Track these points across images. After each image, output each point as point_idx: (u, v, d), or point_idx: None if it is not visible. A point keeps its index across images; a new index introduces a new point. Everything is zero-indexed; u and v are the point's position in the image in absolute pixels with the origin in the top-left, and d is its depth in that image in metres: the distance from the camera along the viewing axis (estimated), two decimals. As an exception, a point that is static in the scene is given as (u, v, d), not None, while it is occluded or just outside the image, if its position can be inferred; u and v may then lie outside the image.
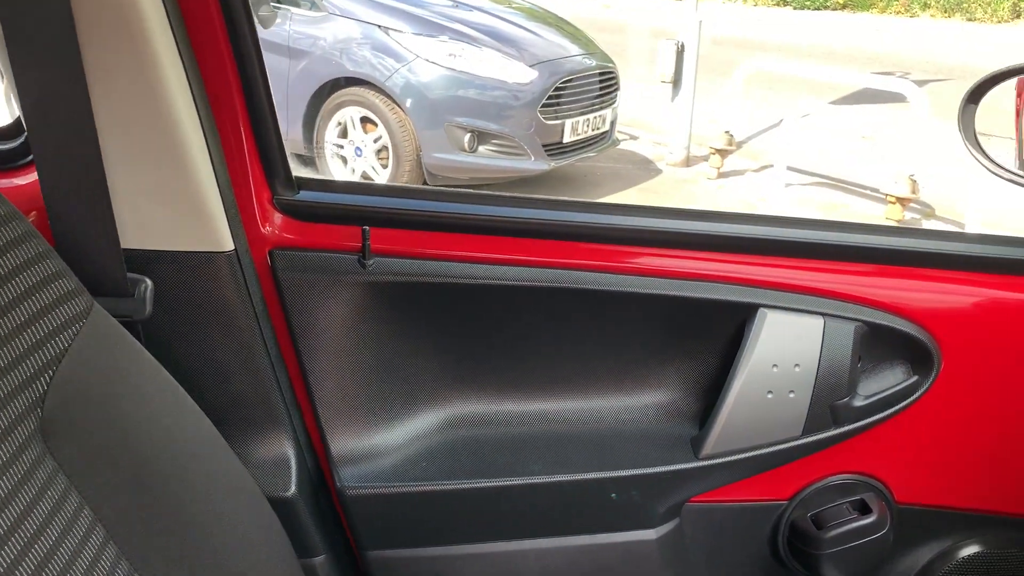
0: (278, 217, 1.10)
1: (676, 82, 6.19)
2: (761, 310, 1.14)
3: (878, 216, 5.13)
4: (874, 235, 1.23)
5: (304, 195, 1.12)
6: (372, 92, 5.04)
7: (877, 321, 1.16)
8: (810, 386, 1.15)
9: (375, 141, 5.10)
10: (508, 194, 1.23)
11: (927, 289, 1.20)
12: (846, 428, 1.18)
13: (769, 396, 1.15)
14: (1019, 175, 1.40)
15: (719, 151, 5.98)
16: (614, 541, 1.20)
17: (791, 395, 1.15)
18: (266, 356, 1.08)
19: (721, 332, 1.18)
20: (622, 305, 1.17)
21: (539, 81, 5.09)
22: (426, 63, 5.00)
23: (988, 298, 1.21)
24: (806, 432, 1.17)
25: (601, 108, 5.50)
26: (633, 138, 7.19)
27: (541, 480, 1.15)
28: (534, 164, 5.13)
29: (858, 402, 1.17)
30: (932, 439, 1.24)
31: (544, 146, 5.15)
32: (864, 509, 1.25)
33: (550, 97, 5.09)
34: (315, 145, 5.26)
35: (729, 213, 1.22)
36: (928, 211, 5.30)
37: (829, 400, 1.16)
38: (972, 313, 1.20)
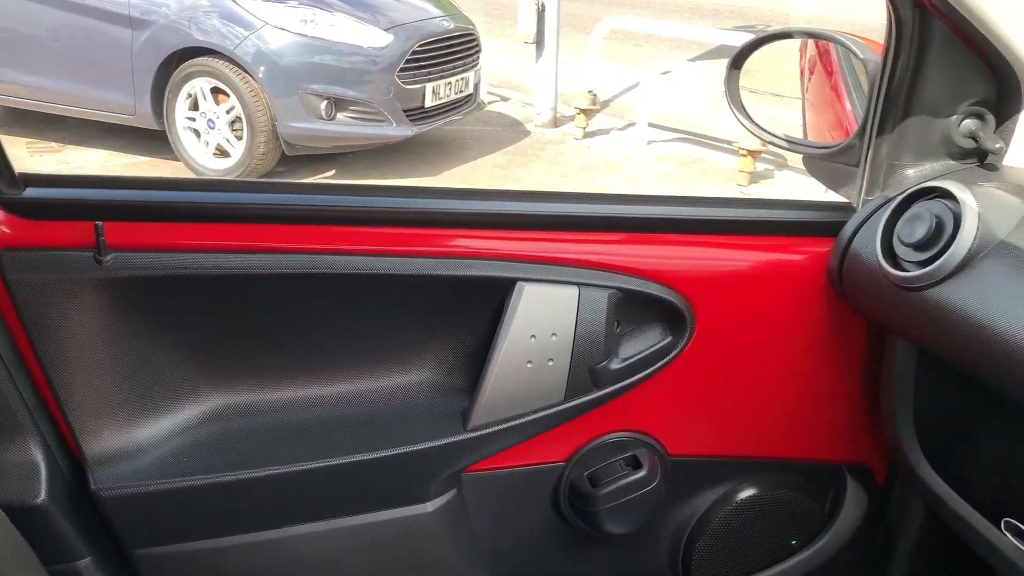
0: (2, 216, 1.05)
1: (539, 42, 6.19)
2: (519, 283, 1.17)
3: (732, 168, 5.31)
4: (626, 205, 1.27)
5: (32, 192, 1.07)
6: (221, 62, 4.86)
7: (631, 287, 1.21)
8: (568, 353, 1.18)
9: (228, 112, 4.94)
10: (255, 180, 1.22)
11: (677, 254, 1.25)
12: (608, 390, 1.22)
13: (529, 365, 1.18)
14: (778, 137, 1.47)
15: (584, 111, 6.04)
16: (392, 517, 1.22)
17: (550, 363, 1.18)
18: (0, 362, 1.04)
19: (483, 307, 1.20)
20: (382, 287, 1.17)
21: (396, 45, 5.01)
22: (276, 30, 4.84)
23: (735, 259, 1.27)
24: (569, 397, 1.21)
25: (463, 71, 5.47)
26: (504, 99, 7.19)
27: (310, 466, 1.15)
28: (396, 130, 5.07)
29: (616, 364, 1.22)
30: (695, 394, 1.31)
31: (405, 111, 5.08)
32: (637, 464, 1.31)
33: (408, 61, 5.02)
34: (165, 119, 5.05)
35: (484, 191, 1.23)
36: (781, 162, 5.52)
37: (588, 365, 1.20)
38: (721, 273, 1.26)
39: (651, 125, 5.86)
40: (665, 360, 1.25)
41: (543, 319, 1.18)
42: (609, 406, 1.27)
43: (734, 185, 5.23)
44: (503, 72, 7.53)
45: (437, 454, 1.19)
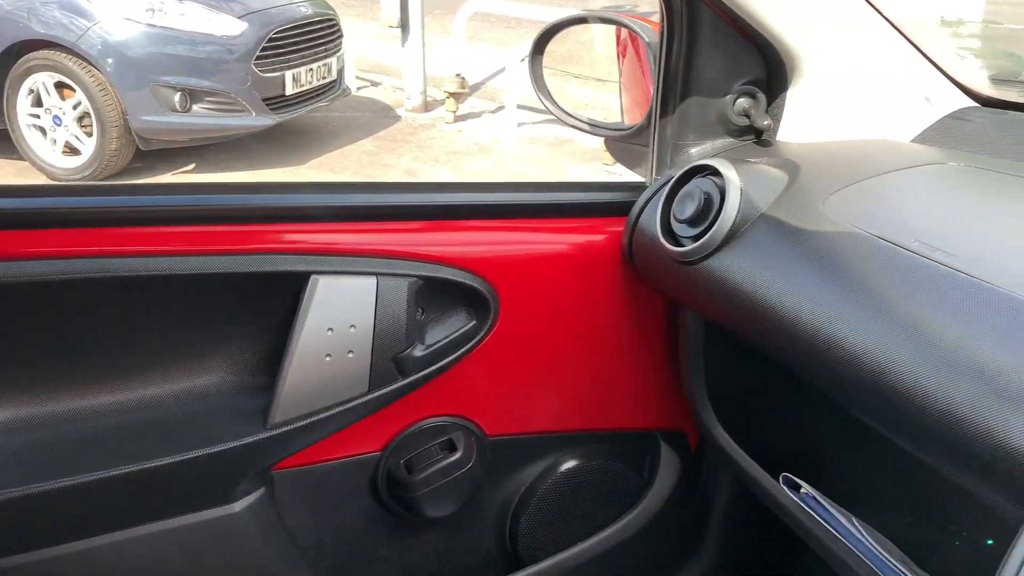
0: None
1: (404, 25, 6.15)
2: (313, 277, 1.16)
3: (599, 149, 5.41)
4: (426, 193, 1.28)
5: None
6: (64, 55, 4.63)
7: (432, 274, 1.22)
8: (369, 344, 1.19)
9: (75, 108, 4.71)
10: (29, 184, 1.16)
11: (480, 239, 1.27)
12: (415, 377, 1.24)
13: (328, 359, 1.18)
14: (581, 121, 1.51)
15: (453, 95, 6.04)
16: (198, 520, 1.20)
17: (350, 355, 1.19)
18: None
19: (279, 304, 1.19)
20: (173, 288, 1.15)
21: (251, 32, 4.88)
22: (123, 20, 4.65)
23: (537, 241, 1.30)
24: (373, 387, 1.21)
25: (325, 57, 5.38)
26: (374, 85, 7.11)
27: (107, 474, 1.12)
28: (256, 120, 4.96)
29: (420, 352, 1.23)
30: (507, 375, 1.34)
31: (265, 100, 4.97)
32: (453, 447, 1.33)
33: (265, 49, 4.91)
34: (6, 117, 4.78)
35: (273, 184, 1.22)
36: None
37: (391, 354, 1.21)
38: (523, 256, 1.29)
39: (521, 107, 5.91)
40: (471, 344, 1.27)
41: (340, 312, 1.18)
42: (423, 393, 1.28)
43: (600, 164, 5.34)
44: (373, 57, 7.45)
45: (239, 453, 1.17)
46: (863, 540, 1.04)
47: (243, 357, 1.23)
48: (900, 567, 0.99)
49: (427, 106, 6.37)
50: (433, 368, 1.25)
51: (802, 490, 1.14)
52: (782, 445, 1.26)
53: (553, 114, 1.51)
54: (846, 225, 1.02)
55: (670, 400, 1.45)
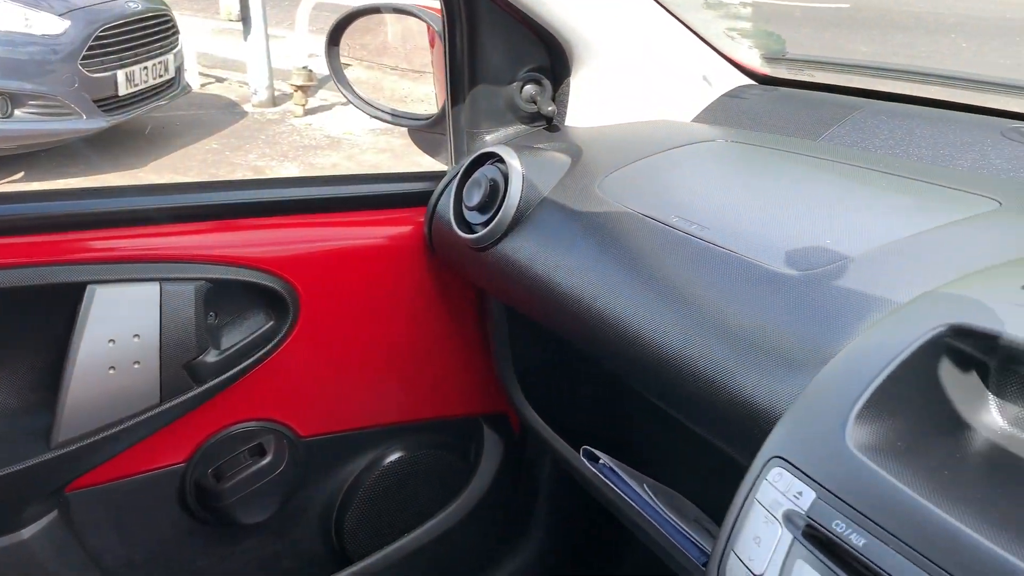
0: None
1: (245, 19, 5.96)
2: (90, 287, 1.11)
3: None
4: (217, 192, 1.25)
5: None
6: None
7: (223, 276, 1.19)
8: (156, 353, 1.15)
9: None
10: None
11: (275, 238, 1.25)
12: (212, 383, 1.21)
13: (112, 372, 1.13)
14: (384, 111, 1.50)
15: (301, 88, 5.91)
16: (-14, 551, 1.14)
17: (136, 366, 1.15)
18: None
19: (56, 317, 1.14)
20: None
21: (75, 31, 4.62)
22: (-73, 21, 4.31)
23: (339, 236, 1.29)
24: (166, 397, 1.18)
25: (160, 54, 5.15)
26: (219, 81, 6.87)
27: None
28: (87, 123, 4.70)
29: (214, 357, 1.20)
30: (316, 374, 1.32)
31: (97, 101, 4.72)
32: (262, 452, 1.31)
33: (92, 48, 4.65)
34: None
35: (45, 192, 1.16)
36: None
37: (182, 361, 1.17)
38: (324, 252, 1.27)
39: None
40: (271, 346, 1.25)
41: (122, 321, 1.13)
42: (226, 398, 1.25)
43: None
44: (216, 52, 7.19)
45: (22, 477, 1.11)
46: (652, 504, 1.08)
47: (23, 375, 1.17)
48: (683, 526, 1.04)
49: (275, 101, 6.21)
50: (231, 373, 1.22)
51: (600, 461, 1.18)
52: (587, 421, 1.30)
53: (355, 105, 1.50)
54: (617, 204, 1.05)
55: (491, 385, 1.48)
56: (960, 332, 0.63)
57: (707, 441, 1.11)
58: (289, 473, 1.32)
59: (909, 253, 0.80)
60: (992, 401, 0.66)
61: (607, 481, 1.15)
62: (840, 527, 0.57)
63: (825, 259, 0.83)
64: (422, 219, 1.32)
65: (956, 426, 0.65)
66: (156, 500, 1.28)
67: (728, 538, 0.64)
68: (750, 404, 0.77)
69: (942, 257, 0.78)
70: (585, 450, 1.20)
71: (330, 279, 1.28)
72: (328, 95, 6.31)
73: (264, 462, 1.30)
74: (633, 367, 0.94)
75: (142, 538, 1.30)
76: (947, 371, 0.65)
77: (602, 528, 1.64)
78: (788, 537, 0.59)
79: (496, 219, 1.14)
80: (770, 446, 0.65)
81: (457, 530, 1.49)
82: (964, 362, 0.65)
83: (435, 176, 1.35)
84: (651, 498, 1.09)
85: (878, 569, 0.54)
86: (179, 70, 5.38)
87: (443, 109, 1.36)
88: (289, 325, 1.25)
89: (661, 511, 1.07)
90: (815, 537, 0.58)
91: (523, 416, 1.36)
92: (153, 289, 1.15)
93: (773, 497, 0.62)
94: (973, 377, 0.66)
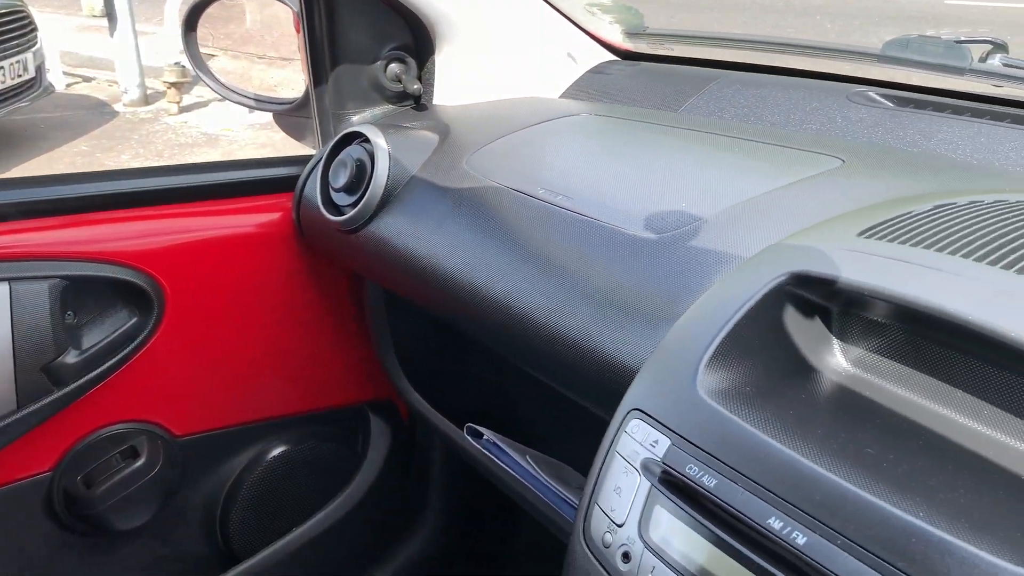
0: None
1: (111, 15, 5.69)
2: None
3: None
4: (68, 185, 1.19)
5: None
6: None
7: (80, 272, 1.14)
8: (8, 357, 1.09)
9: None
10: None
11: (137, 231, 1.19)
12: (74, 386, 1.15)
13: None
14: (247, 96, 1.46)
15: (174, 85, 5.69)
16: None
17: None
18: None
19: None
20: None
21: (-82, 30, 4.31)
22: None
23: (206, 226, 1.25)
24: (23, 403, 1.12)
25: (17, 53, 4.85)
26: (87, 80, 6.55)
27: None
28: (-61, 128, 4.39)
29: (74, 358, 1.14)
30: (188, 371, 1.28)
31: (-52, 105, 4.42)
32: (135, 454, 1.25)
33: (-61, 47, 4.35)
34: None
35: None
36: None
37: (38, 364, 1.11)
38: (191, 243, 1.23)
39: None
40: (137, 342, 1.20)
41: None
42: (92, 401, 1.19)
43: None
44: (83, 51, 6.84)
45: None
46: (534, 474, 1.09)
47: None
48: (564, 492, 1.05)
49: (147, 99, 5.95)
50: (95, 373, 1.17)
51: (484, 437, 1.18)
52: (472, 400, 1.30)
53: (216, 91, 1.45)
54: (485, 179, 1.06)
55: (375, 371, 1.46)
56: (801, 280, 0.66)
57: (585, 408, 1.12)
58: (165, 474, 1.28)
59: (758, 211, 0.83)
60: (835, 344, 0.69)
61: (492, 456, 1.16)
62: (693, 470, 0.58)
63: (681, 221, 0.86)
64: (290, 205, 1.29)
65: (802, 370, 0.68)
66: (21, 513, 1.21)
67: (592, 492, 0.65)
68: (613, 363, 0.79)
69: (788, 212, 0.82)
70: (468, 427, 1.20)
71: (197, 271, 1.24)
72: (204, 92, 6.09)
73: (137, 465, 1.25)
74: (506, 338, 0.95)
75: (9, 554, 1.23)
76: (791, 318, 0.68)
77: (494, 506, 1.65)
78: (646, 485, 0.61)
79: (364, 200, 1.12)
80: (629, 399, 0.67)
81: (347, 521, 1.47)
82: (807, 308, 0.68)
83: (302, 160, 1.32)
84: (534, 468, 1.10)
85: (728, 506, 0.56)
86: (40, 69, 5.09)
87: (307, 92, 1.33)
88: (155, 321, 1.21)
89: (543, 480, 1.08)
90: (671, 483, 0.60)
91: (409, 401, 1.35)
92: (2, 290, 1.08)
93: (632, 448, 0.63)
94: (816, 322, 0.69)
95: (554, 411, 1.22)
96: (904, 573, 0.48)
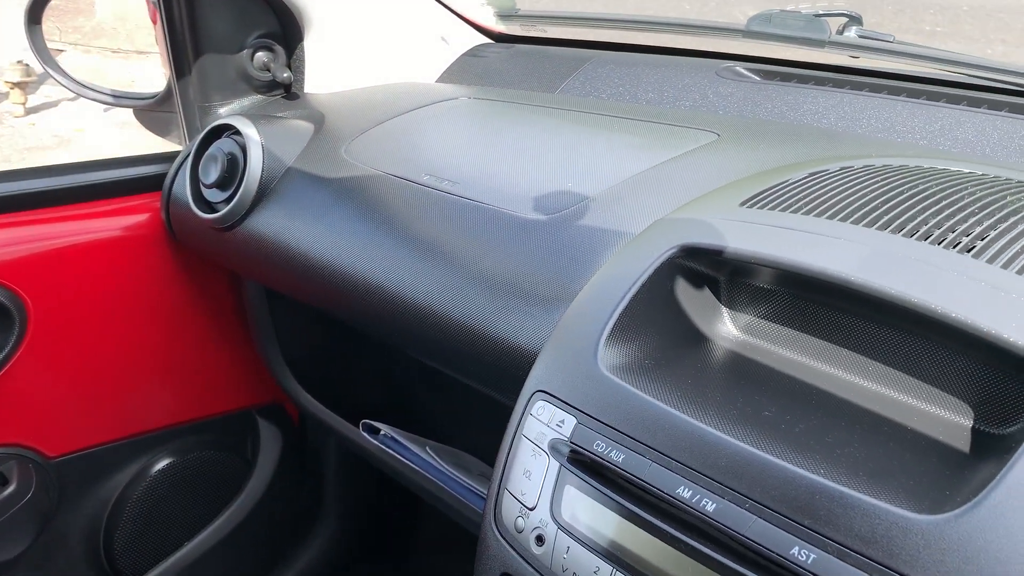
0: None
1: (-62, 10, 5.24)
2: None
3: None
4: None
5: None
6: None
7: None
8: None
9: None
10: None
11: None
12: None
13: None
14: (103, 92, 1.37)
15: (17, 85, 5.31)
16: None
17: None
18: None
19: None
20: None
21: None
22: None
23: (65, 232, 1.17)
24: None
25: None
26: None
27: None
28: None
29: None
30: (59, 387, 1.20)
31: None
32: (4, 481, 1.17)
33: None
34: None
35: None
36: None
37: None
38: (53, 251, 1.15)
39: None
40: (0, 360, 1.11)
41: None
42: None
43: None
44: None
45: None
46: (436, 465, 1.08)
47: None
48: (467, 480, 1.04)
49: (-11, 101, 5.54)
50: None
51: (381, 432, 1.16)
52: (366, 396, 1.27)
53: (68, 88, 1.36)
54: (365, 167, 1.03)
55: (262, 375, 1.41)
56: (690, 251, 0.67)
57: (483, 395, 1.12)
58: (40, 499, 1.19)
59: (642, 187, 0.84)
60: (725, 313, 0.70)
61: (391, 451, 1.14)
62: (600, 447, 0.58)
63: (568, 202, 0.86)
64: (158, 205, 1.22)
65: (697, 339, 0.69)
66: None
67: (501, 477, 0.65)
68: (513, 347, 0.79)
69: (671, 187, 0.83)
70: (364, 423, 1.17)
71: (61, 282, 1.16)
72: (52, 91, 5.72)
73: (7, 492, 1.16)
74: (399, 330, 0.93)
75: None
76: (682, 290, 0.69)
77: (395, 503, 1.63)
78: (555, 466, 0.61)
79: (238, 195, 1.07)
80: (532, 381, 0.66)
81: (240, 533, 1.42)
82: (696, 280, 0.69)
83: (168, 157, 1.26)
84: (435, 459, 1.08)
85: (637, 480, 0.56)
86: None
87: (169, 85, 1.26)
88: (16, 337, 1.12)
89: (446, 471, 1.07)
90: (580, 461, 0.60)
91: (299, 402, 1.31)
92: None
93: (539, 430, 0.63)
94: (706, 293, 0.70)
95: (452, 401, 1.21)
96: (811, 530, 0.49)
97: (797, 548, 0.49)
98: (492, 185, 0.93)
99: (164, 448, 1.35)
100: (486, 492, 1.03)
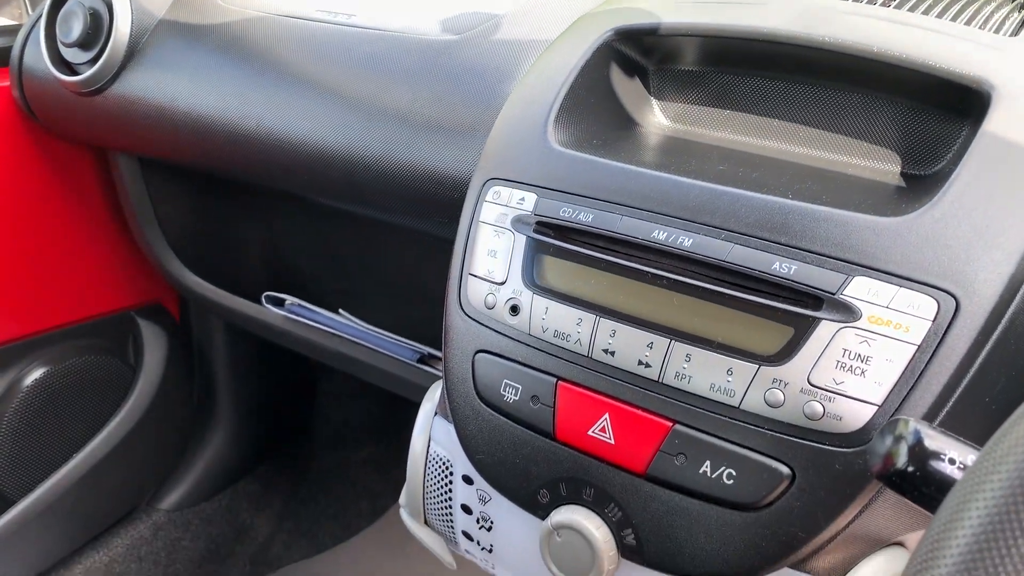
0: None
1: None
2: None
3: None
4: None
5: None
6: None
7: None
8: None
9: None
10: None
11: None
12: None
13: None
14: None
15: None
16: None
17: None
18: None
19: None
20: None
21: None
22: None
23: None
24: None
25: None
26: None
27: None
28: None
29: None
30: None
31: None
32: None
33: None
34: None
35: None
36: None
37: None
38: None
39: None
40: None
41: None
42: None
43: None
44: None
45: None
46: (353, 323, 1.05)
47: None
48: (389, 334, 1.02)
49: None
50: None
51: (287, 303, 1.12)
52: (261, 273, 1.21)
53: None
54: (247, 11, 0.96)
55: (139, 271, 1.31)
56: (624, 34, 0.67)
57: (379, 266, 1.09)
58: None
59: None
60: (655, 103, 0.72)
61: (301, 319, 1.09)
62: (567, 212, 0.58)
63: (477, 20, 0.84)
64: (7, 82, 1.10)
65: (632, 125, 0.70)
66: None
67: (462, 265, 0.63)
68: (437, 174, 0.77)
69: None
70: (267, 296, 1.12)
71: None
72: None
73: None
74: (317, 182, 0.88)
75: None
76: (618, 78, 0.69)
77: (289, 400, 1.59)
78: (522, 239, 0.60)
79: (105, 54, 0.98)
80: (480, 174, 0.65)
81: (134, 437, 1.34)
82: (629, 69, 0.70)
83: (9, 30, 1.13)
84: (350, 319, 1.05)
85: (610, 233, 0.56)
86: None
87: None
88: None
89: (365, 328, 1.04)
90: (548, 227, 0.60)
91: (185, 286, 1.23)
92: None
93: (498, 212, 0.62)
94: (638, 84, 0.71)
95: (349, 275, 1.17)
96: (788, 246, 0.52)
97: (778, 263, 0.51)
98: (390, 13, 0.90)
99: (37, 356, 1.24)
100: (407, 341, 1.02)
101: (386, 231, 1.00)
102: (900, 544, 0.53)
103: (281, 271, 1.21)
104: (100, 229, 1.25)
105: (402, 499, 0.68)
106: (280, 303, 1.12)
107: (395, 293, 1.07)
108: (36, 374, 1.24)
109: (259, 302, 1.15)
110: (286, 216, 1.13)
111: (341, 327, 1.06)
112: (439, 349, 1.00)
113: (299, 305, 1.10)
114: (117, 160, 1.15)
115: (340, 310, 1.07)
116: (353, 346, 1.07)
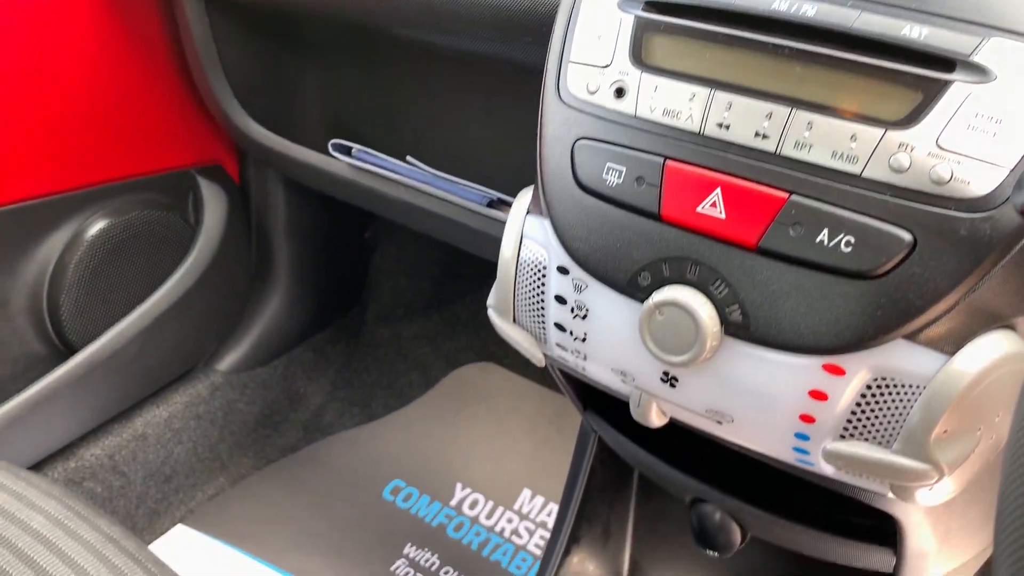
0: None
1: None
2: None
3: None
4: None
5: None
6: None
7: None
8: None
9: None
10: None
11: None
12: None
13: None
14: None
15: None
16: None
17: None
18: None
19: None
20: None
21: None
22: None
23: None
24: None
25: None
26: None
27: None
28: None
29: None
30: None
31: None
32: None
33: None
34: None
35: None
36: None
37: None
38: None
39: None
40: None
41: None
42: None
43: None
44: None
45: None
46: (422, 169, 1.04)
47: None
48: (460, 179, 1.01)
49: None
50: None
51: (353, 151, 1.11)
52: (333, 119, 1.20)
53: None
54: None
55: (200, 129, 1.31)
56: None
57: (466, 105, 1.06)
58: None
59: None
60: None
61: (368, 168, 1.09)
62: None
63: None
64: None
65: None
66: None
67: (560, 57, 0.61)
68: None
69: None
70: (334, 144, 1.11)
71: None
72: None
73: None
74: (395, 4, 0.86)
75: None
76: None
77: (354, 258, 1.59)
78: (629, 18, 0.58)
79: None
80: None
81: (193, 294, 1.35)
82: None
83: None
84: (418, 164, 1.04)
85: (728, 6, 0.54)
86: None
87: None
88: None
89: (433, 173, 1.03)
90: (661, 5, 0.57)
91: (249, 139, 1.22)
92: None
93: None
94: None
95: (423, 119, 1.15)
96: (918, 11, 0.49)
97: (908, 27, 0.49)
98: None
99: (100, 207, 1.25)
100: (480, 186, 1.01)
101: (452, 74, 0.98)
102: (1010, 327, 0.52)
103: (345, 121, 1.19)
104: (162, 80, 1.24)
105: (491, 300, 0.68)
106: (347, 151, 1.11)
107: (462, 140, 1.06)
108: (100, 224, 1.24)
109: (324, 153, 1.14)
110: (350, 64, 1.12)
111: (409, 172, 1.05)
112: (508, 194, 0.99)
113: (366, 152, 1.09)
114: (184, 4, 1.14)
115: (408, 157, 1.06)
116: (419, 195, 1.06)
